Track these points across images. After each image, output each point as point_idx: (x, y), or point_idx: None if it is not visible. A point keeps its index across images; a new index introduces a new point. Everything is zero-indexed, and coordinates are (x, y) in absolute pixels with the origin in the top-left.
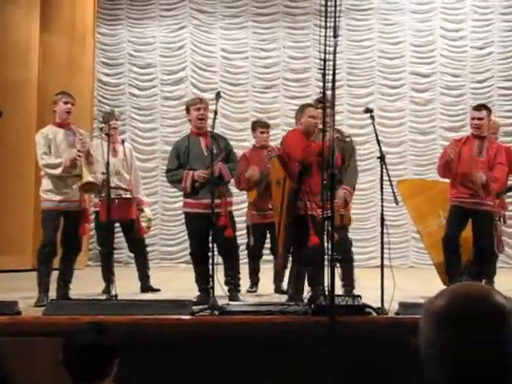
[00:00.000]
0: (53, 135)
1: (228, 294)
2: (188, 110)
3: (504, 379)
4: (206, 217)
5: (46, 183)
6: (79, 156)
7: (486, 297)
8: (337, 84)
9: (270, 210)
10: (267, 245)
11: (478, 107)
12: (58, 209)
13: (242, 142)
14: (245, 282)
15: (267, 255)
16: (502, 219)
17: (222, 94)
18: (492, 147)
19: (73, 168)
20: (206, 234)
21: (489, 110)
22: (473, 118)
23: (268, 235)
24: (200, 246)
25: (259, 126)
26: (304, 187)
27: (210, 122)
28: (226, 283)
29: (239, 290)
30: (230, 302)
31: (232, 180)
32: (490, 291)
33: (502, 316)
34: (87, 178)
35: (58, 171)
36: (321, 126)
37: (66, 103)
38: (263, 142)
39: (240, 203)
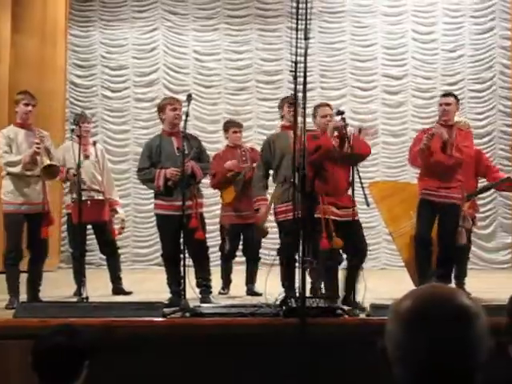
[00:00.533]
0: (14, 135)
1: (199, 296)
2: (162, 110)
3: (469, 379)
4: (178, 218)
5: (7, 185)
6: (38, 148)
7: (451, 298)
8: (309, 86)
9: (248, 211)
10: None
11: (446, 94)
12: (19, 212)
13: (215, 144)
14: (217, 283)
15: (240, 257)
16: (472, 221)
17: (194, 95)
18: (460, 134)
19: (33, 164)
20: (178, 236)
21: (456, 99)
22: (441, 104)
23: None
24: (171, 248)
25: (232, 126)
26: (320, 189)
27: (181, 123)
28: (198, 285)
29: (210, 292)
30: (202, 304)
31: (204, 180)
32: (456, 292)
33: (467, 317)
34: (47, 161)
35: (19, 169)
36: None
37: (27, 105)
38: (236, 142)
39: (212, 205)
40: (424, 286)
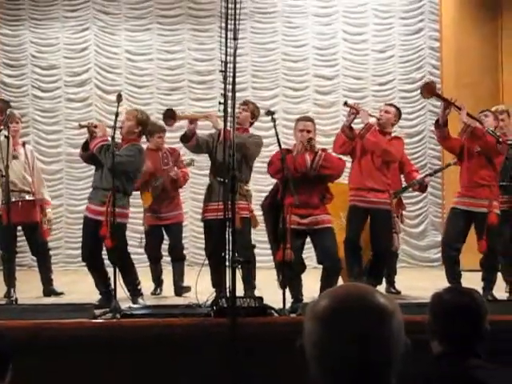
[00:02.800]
0: None
1: (129, 297)
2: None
3: (384, 377)
4: (94, 222)
5: None
6: None
7: (366, 297)
8: (241, 86)
9: (167, 212)
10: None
11: (391, 104)
12: None
13: (145, 144)
14: (149, 284)
15: (167, 256)
16: (399, 218)
17: (126, 96)
18: (392, 142)
19: None
20: (95, 241)
21: (399, 112)
22: (381, 110)
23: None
24: (89, 252)
25: (157, 131)
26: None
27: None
28: (127, 289)
29: (141, 294)
30: (132, 305)
31: None
32: (371, 291)
33: (382, 315)
34: None
35: None
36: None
37: None
38: (159, 145)
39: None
40: (341, 285)
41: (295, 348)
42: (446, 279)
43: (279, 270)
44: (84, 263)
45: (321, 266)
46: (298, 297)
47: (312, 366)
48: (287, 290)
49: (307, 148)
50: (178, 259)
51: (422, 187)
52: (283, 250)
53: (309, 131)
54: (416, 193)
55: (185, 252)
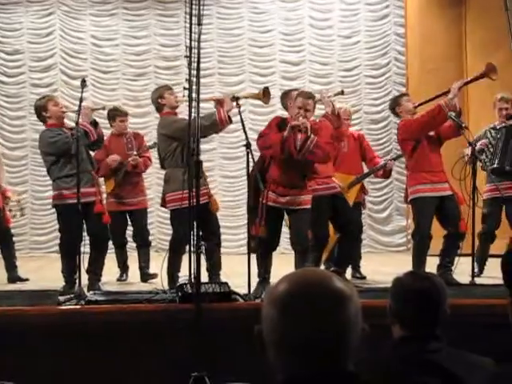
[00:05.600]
0: None
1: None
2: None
3: (342, 361)
4: (83, 206)
5: None
6: None
7: (324, 281)
8: (208, 72)
9: (131, 198)
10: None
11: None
12: None
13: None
14: (115, 270)
15: (132, 242)
16: (362, 204)
17: (92, 81)
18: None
19: None
20: (81, 225)
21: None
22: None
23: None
24: (77, 238)
25: (119, 115)
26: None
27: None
28: (88, 271)
29: (100, 279)
30: (97, 291)
31: None
32: (329, 276)
33: (339, 300)
34: None
35: None
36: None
37: None
38: (123, 130)
39: None
40: (299, 270)
41: (253, 333)
42: (409, 263)
43: (251, 240)
44: (60, 251)
45: (287, 252)
46: (264, 276)
47: (270, 350)
48: (254, 276)
49: (300, 130)
50: (144, 245)
51: (386, 172)
52: (257, 225)
53: (307, 110)
54: (381, 179)
55: (151, 238)
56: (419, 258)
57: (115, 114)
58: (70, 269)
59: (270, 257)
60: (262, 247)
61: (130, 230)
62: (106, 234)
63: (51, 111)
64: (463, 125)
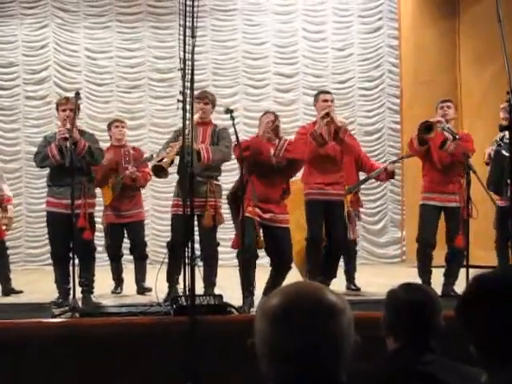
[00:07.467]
0: None
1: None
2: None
3: (333, 373)
4: (67, 217)
5: None
6: None
7: (316, 294)
8: (202, 84)
9: (128, 210)
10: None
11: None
12: None
13: (107, 143)
14: (109, 283)
15: (128, 255)
16: (357, 216)
17: (86, 94)
18: None
19: None
20: (67, 235)
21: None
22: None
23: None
24: (60, 247)
25: (114, 122)
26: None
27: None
28: (80, 284)
29: (92, 292)
30: (91, 304)
31: None
32: (321, 289)
33: (331, 313)
34: None
35: None
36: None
37: None
38: (119, 137)
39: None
40: (291, 283)
41: (246, 346)
42: (404, 275)
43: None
44: (51, 261)
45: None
46: (249, 288)
47: (262, 362)
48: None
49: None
50: (140, 258)
51: (389, 174)
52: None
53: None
54: (375, 190)
55: (146, 250)
56: (421, 265)
57: (111, 123)
58: (59, 278)
59: (254, 265)
60: (243, 260)
61: (126, 243)
62: (89, 247)
63: (60, 116)
64: (457, 136)
